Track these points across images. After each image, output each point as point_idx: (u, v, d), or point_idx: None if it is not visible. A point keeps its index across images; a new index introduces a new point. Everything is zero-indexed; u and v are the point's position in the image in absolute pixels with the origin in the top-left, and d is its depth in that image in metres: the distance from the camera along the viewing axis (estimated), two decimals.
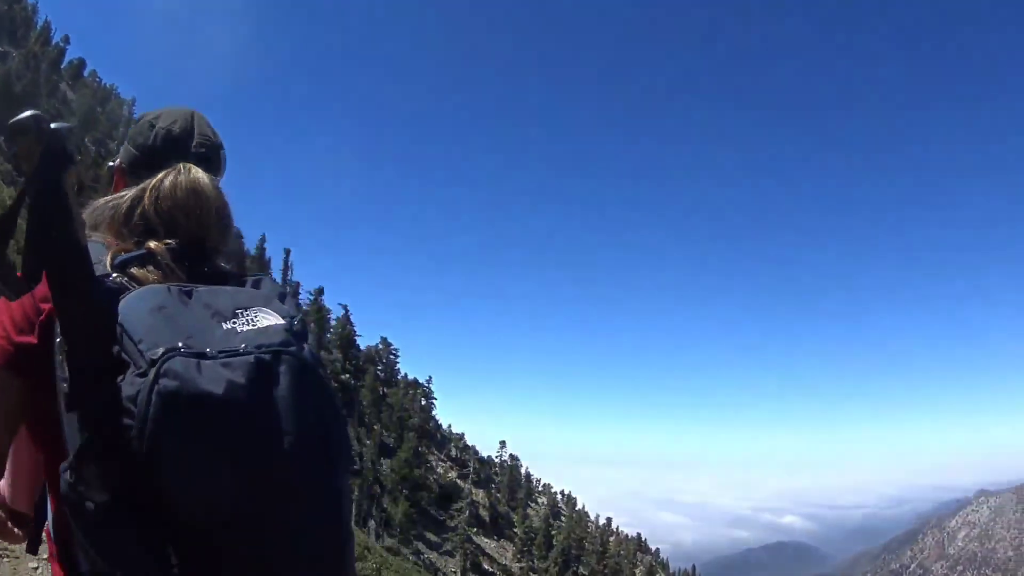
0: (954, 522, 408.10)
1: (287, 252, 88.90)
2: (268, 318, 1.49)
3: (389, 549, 48.70)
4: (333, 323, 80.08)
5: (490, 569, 62.83)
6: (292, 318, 1.60)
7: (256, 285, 1.73)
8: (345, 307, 79.84)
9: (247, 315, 1.46)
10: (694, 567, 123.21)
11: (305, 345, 1.51)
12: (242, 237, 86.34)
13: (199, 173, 1.76)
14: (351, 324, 78.68)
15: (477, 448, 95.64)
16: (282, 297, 1.70)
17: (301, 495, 1.39)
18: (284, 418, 1.35)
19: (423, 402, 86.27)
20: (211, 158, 1.83)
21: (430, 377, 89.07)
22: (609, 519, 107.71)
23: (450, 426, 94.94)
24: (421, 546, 57.13)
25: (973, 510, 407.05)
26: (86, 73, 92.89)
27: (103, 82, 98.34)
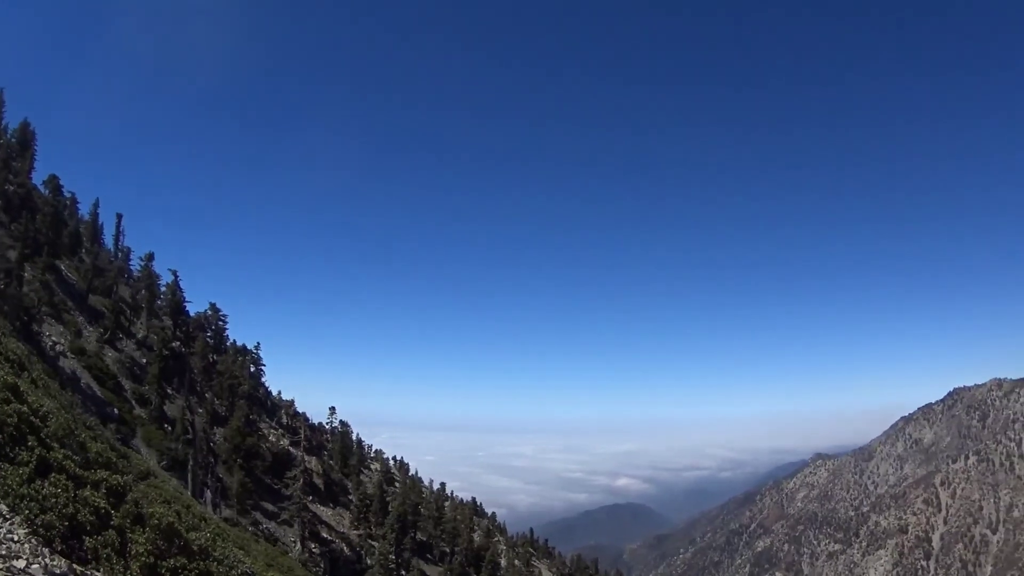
0: (792, 483, 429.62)
1: (119, 217, 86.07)
2: None
3: (228, 520, 47.52)
4: (163, 289, 76.92)
5: (328, 537, 62.37)
6: None
7: None
8: (175, 273, 76.67)
9: None
10: (531, 530, 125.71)
11: None
12: None
13: None
14: (180, 290, 75.63)
15: (308, 415, 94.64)
16: None
17: None
18: None
19: (252, 369, 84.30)
20: None
21: (258, 343, 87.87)
22: (443, 484, 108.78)
23: (279, 393, 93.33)
24: (259, 516, 56.00)
25: (811, 472, 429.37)
26: None
27: None
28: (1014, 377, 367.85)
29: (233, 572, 18.85)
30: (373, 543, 68.33)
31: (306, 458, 76.46)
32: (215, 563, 16.89)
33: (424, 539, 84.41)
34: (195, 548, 15.76)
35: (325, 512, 70.17)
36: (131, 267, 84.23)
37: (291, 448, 75.88)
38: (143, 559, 13.41)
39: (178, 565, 14.24)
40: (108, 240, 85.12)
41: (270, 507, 59.45)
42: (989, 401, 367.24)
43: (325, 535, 62.55)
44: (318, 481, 76.62)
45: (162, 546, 14.30)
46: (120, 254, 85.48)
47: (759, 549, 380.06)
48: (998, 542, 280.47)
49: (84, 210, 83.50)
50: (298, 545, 54.42)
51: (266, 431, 76.05)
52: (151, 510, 16.00)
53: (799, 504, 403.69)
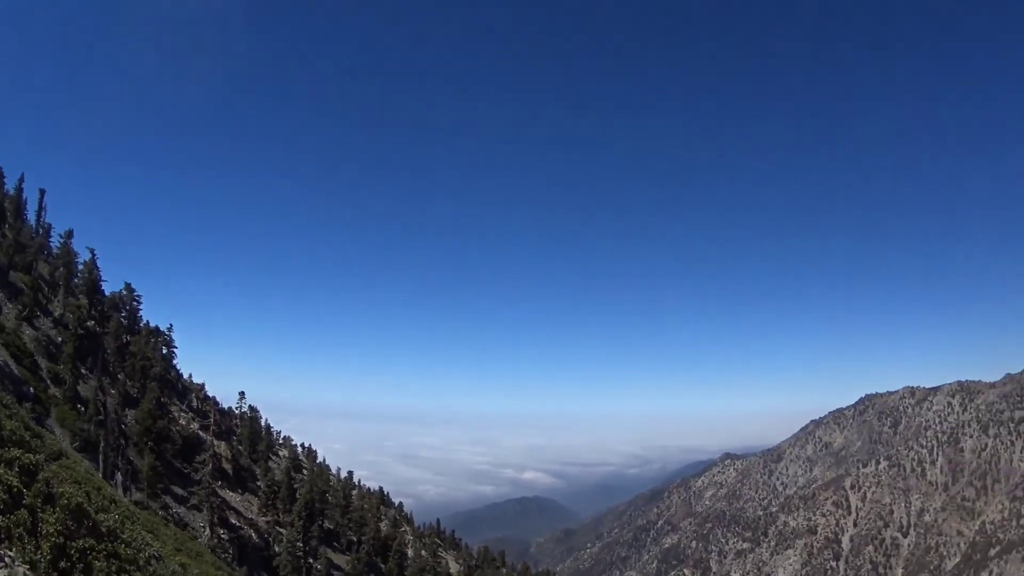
0: (700, 482, 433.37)
1: (42, 193, 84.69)
2: None
3: (138, 503, 47.37)
4: (80, 268, 75.58)
5: (237, 523, 62.35)
6: None
7: None
8: (92, 251, 75.42)
9: None
10: (438, 521, 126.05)
11: None
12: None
13: None
14: (97, 269, 74.44)
15: (218, 399, 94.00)
16: None
17: None
18: None
19: (164, 351, 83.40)
20: None
21: (171, 325, 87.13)
22: (351, 473, 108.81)
23: (191, 376, 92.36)
24: (169, 500, 55.70)
25: (719, 471, 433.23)
26: None
27: None
28: (926, 386, 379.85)
29: (141, 555, 19.28)
30: (281, 530, 68.48)
31: (215, 443, 76.03)
32: (123, 545, 17.32)
33: (332, 527, 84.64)
34: (104, 530, 16.17)
35: (234, 498, 69.98)
36: (51, 244, 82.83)
37: (201, 432, 75.39)
38: (53, 539, 13.72)
39: (87, 546, 14.55)
40: (31, 216, 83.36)
41: (179, 491, 59.19)
42: (901, 408, 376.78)
43: (234, 521, 62.49)
44: (227, 466, 76.25)
45: (72, 526, 14.64)
46: (41, 230, 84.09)
47: (667, 546, 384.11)
48: (909, 545, 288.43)
49: (10, 185, 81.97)
50: (207, 530, 54.37)
51: (177, 414, 75.38)
52: (61, 490, 16.34)
53: (707, 502, 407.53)
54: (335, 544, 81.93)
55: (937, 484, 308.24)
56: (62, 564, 13.57)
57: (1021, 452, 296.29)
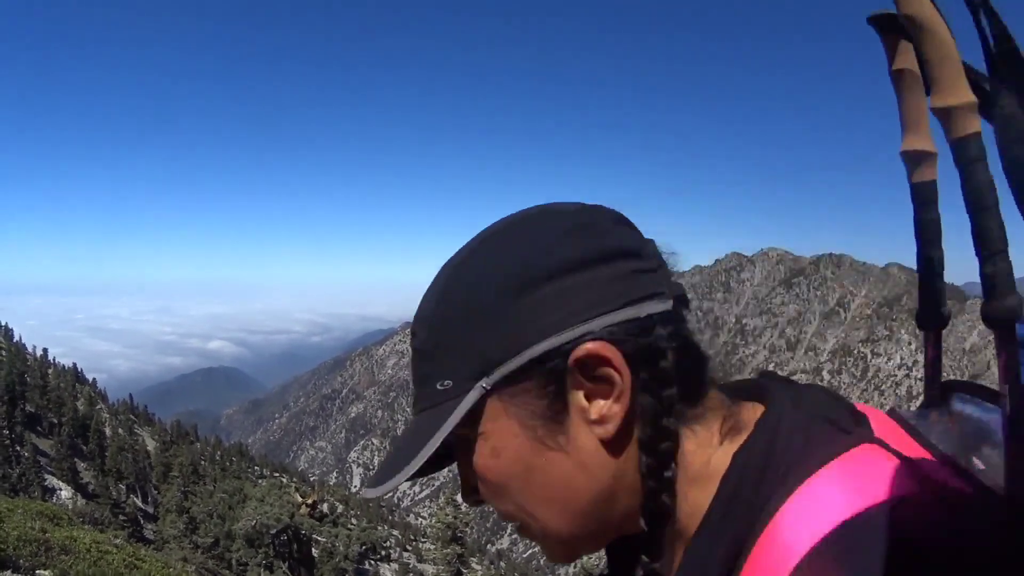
0: (382, 350, 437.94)
1: None
2: None
3: None
4: None
5: None
6: None
7: None
8: None
9: None
10: (131, 396, 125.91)
11: None
12: None
13: None
14: None
15: None
16: None
17: None
18: None
19: None
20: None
21: None
22: (45, 351, 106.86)
23: None
24: None
25: (401, 340, 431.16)
26: None
27: None
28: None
29: None
30: None
31: None
32: None
33: (33, 410, 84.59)
34: None
35: None
36: None
37: None
38: None
39: None
40: None
41: None
42: None
43: None
44: None
45: None
46: None
47: (353, 415, 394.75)
48: None
49: None
50: None
51: None
52: None
53: (390, 371, 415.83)
54: (38, 428, 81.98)
55: None
56: None
57: (708, 341, 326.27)
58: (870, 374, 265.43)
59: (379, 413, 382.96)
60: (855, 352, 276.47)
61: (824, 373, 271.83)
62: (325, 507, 55.41)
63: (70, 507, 68.57)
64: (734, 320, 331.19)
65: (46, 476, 69.43)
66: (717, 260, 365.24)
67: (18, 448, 69.01)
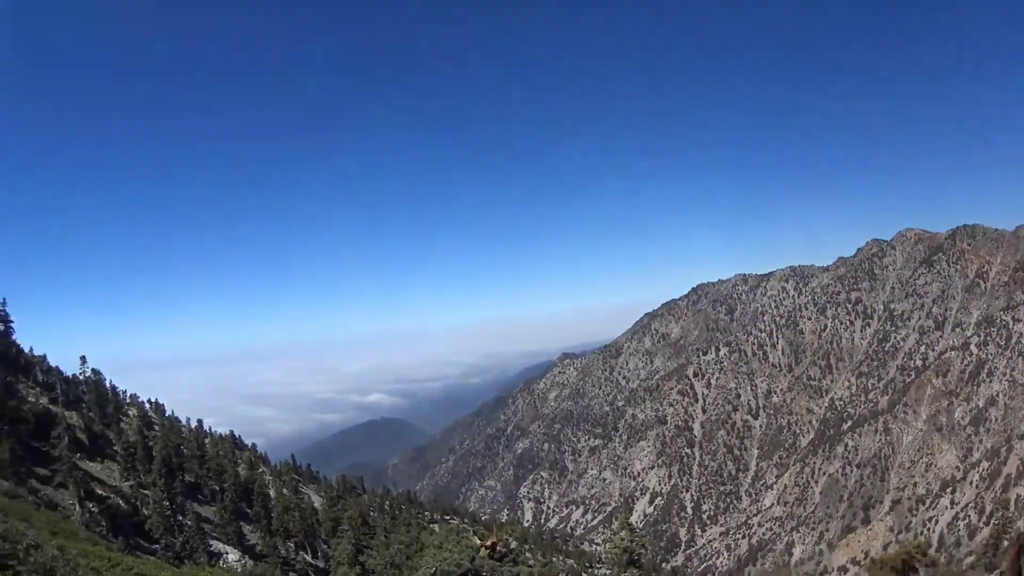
0: (543, 384, 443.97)
1: None
2: None
3: (7, 493, 48.64)
4: None
5: (103, 493, 63.71)
6: None
7: None
8: None
9: None
10: (292, 457, 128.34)
11: None
12: None
13: None
14: None
15: (61, 368, 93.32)
16: None
17: None
18: None
19: (1, 327, 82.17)
20: None
21: (4, 300, 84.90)
22: (200, 421, 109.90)
23: (31, 349, 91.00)
24: (35, 483, 56.67)
25: (560, 372, 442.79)
26: None
27: None
28: (757, 273, 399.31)
29: (19, 547, 20.08)
30: (145, 492, 69.91)
31: (66, 414, 76.34)
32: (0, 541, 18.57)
33: (192, 480, 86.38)
34: None
35: (94, 467, 70.84)
36: None
37: (51, 406, 75.37)
38: None
39: None
40: None
41: (42, 471, 59.94)
42: (735, 295, 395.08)
43: (100, 491, 63.64)
44: (81, 436, 76.65)
45: None
46: None
47: (520, 451, 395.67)
48: (761, 426, 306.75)
49: None
50: (76, 507, 55.70)
51: (24, 391, 75.08)
52: None
53: (552, 403, 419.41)
54: (200, 496, 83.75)
55: (780, 366, 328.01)
56: None
57: (861, 331, 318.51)
58: (1013, 340, 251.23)
59: (545, 446, 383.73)
60: (998, 321, 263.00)
61: (972, 347, 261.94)
62: (502, 546, 53.08)
63: (239, 569, 68.47)
64: (882, 307, 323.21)
65: (211, 541, 70.33)
66: (859, 249, 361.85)
67: (180, 517, 69.95)
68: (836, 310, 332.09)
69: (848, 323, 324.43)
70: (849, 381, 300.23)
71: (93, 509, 58.18)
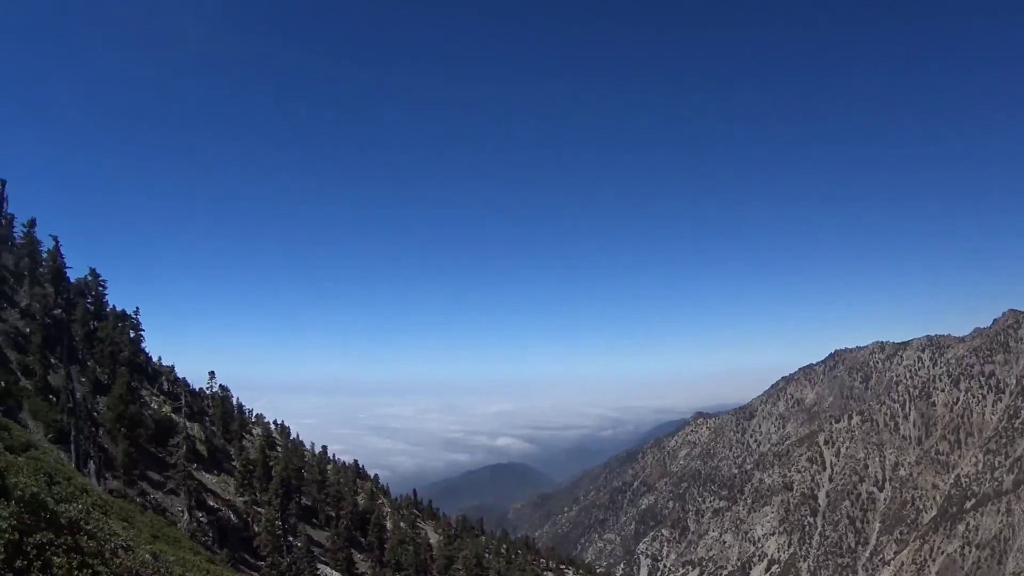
0: (674, 441, 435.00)
1: (2, 184, 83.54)
2: None
3: (114, 491, 47.01)
4: (44, 256, 75.02)
5: (215, 505, 62.13)
6: None
7: None
8: (55, 238, 75.01)
9: None
10: (415, 492, 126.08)
11: None
12: None
13: None
14: (61, 256, 73.93)
15: (188, 380, 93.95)
16: None
17: None
18: None
19: (132, 335, 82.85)
20: None
21: (137, 309, 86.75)
22: (324, 447, 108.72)
23: (160, 359, 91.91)
24: (146, 486, 55.37)
25: (692, 430, 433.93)
26: None
27: None
28: (895, 340, 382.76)
29: (106, 546, 18.40)
30: (259, 509, 68.33)
31: (188, 425, 75.78)
32: (86, 537, 16.71)
33: (309, 504, 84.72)
34: (64, 522, 15.44)
35: (210, 479, 69.81)
36: (14, 234, 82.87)
37: (173, 415, 75.06)
38: (7, 535, 12.92)
39: (44, 541, 13.86)
40: None
41: (156, 476, 58.90)
42: (871, 363, 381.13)
43: (212, 503, 62.26)
44: (201, 448, 76.09)
45: (28, 520, 13.74)
46: (4, 221, 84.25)
47: (643, 506, 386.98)
48: (885, 499, 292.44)
49: None
50: (185, 514, 54.06)
51: (148, 398, 75.04)
52: (14, 480, 15.40)
53: (682, 462, 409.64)
54: (314, 520, 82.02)
55: (911, 438, 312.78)
56: (18, 563, 12.76)
57: (992, 405, 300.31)
58: None
59: (670, 504, 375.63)
60: None
61: None
62: None
63: None
64: (1015, 381, 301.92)
65: (320, 565, 67.28)
66: (995, 320, 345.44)
67: (291, 539, 67.49)
68: (969, 383, 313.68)
69: (980, 397, 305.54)
70: (976, 457, 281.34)
71: (202, 519, 56.31)
